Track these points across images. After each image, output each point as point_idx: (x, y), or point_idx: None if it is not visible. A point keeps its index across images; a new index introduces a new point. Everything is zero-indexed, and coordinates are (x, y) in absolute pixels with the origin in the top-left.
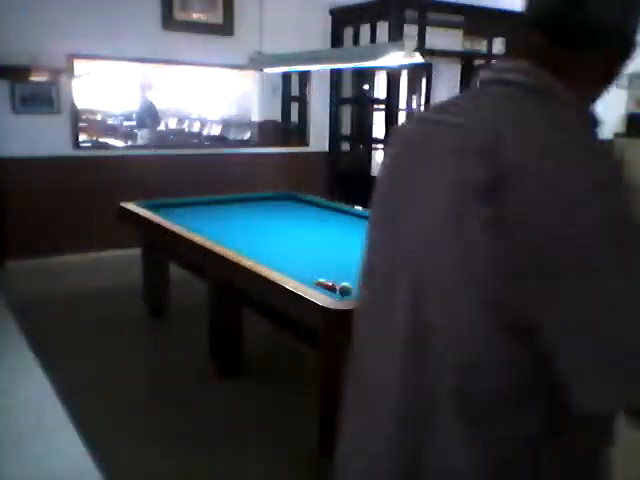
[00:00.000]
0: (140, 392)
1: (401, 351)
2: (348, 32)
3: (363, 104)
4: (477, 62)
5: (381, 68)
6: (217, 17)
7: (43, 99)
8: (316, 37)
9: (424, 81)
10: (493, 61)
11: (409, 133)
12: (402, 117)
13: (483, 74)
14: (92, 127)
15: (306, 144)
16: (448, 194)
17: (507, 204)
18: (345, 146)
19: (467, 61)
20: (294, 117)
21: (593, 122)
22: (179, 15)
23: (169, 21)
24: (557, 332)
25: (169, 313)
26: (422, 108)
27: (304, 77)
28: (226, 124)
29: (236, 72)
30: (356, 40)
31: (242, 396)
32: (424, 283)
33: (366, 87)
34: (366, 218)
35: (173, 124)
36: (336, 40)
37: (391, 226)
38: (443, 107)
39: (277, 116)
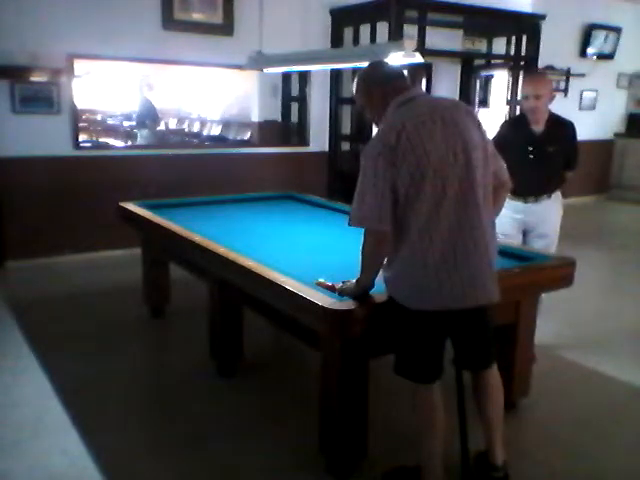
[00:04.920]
0: (140, 392)
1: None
2: (348, 32)
3: None
4: (477, 62)
5: None
6: (217, 17)
7: (43, 99)
8: (316, 37)
9: (424, 81)
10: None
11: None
12: None
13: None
14: (92, 127)
15: (306, 144)
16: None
17: None
18: (345, 146)
19: (467, 61)
20: (294, 117)
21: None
22: (179, 15)
23: (169, 21)
24: None
25: (169, 313)
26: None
27: (304, 77)
28: (226, 124)
29: (236, 72)
30: (356, 40)
31: (242, 396)
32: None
33: None
34: None
35: (173, 124)
36: (336, 40)
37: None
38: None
39: (277, 116)
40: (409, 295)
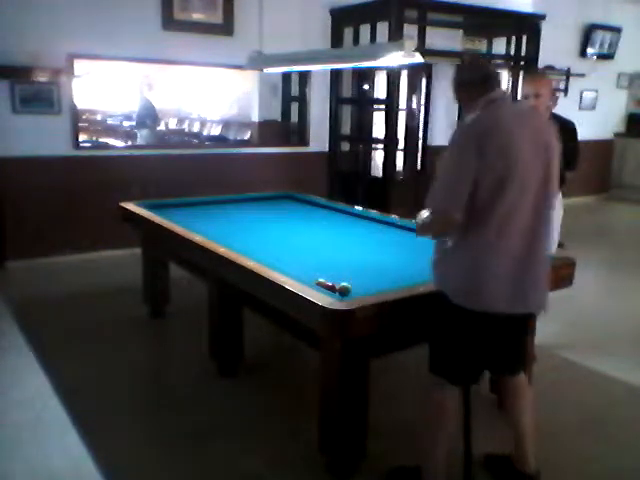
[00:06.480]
0: (140, 392)
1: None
2: (348, 32)
3: (363, 104)
4: None
5: (381, 68)
6: (217, 17)
7: (43, 99)
8: (316, 37)
9: (424, 81)
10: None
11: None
12: (402, 117)
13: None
14: (92, 127)
15: (306, 144)
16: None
17: None
18: (345, 146)
19: None
20: (294, 117)
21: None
22: (179, 15)
23: (169, 21)
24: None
25: (169, 313)
26: (422, 108)
27: (304, 77)
28: (226, 124)
29: (236, 72)
30: (356, 40)
31: (242, 396)
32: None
33: (366, 87)
34: (366, 218)
35: (173, 124)
36: (336, 40)
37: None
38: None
39: (277, 116)
40: (467, 294)
